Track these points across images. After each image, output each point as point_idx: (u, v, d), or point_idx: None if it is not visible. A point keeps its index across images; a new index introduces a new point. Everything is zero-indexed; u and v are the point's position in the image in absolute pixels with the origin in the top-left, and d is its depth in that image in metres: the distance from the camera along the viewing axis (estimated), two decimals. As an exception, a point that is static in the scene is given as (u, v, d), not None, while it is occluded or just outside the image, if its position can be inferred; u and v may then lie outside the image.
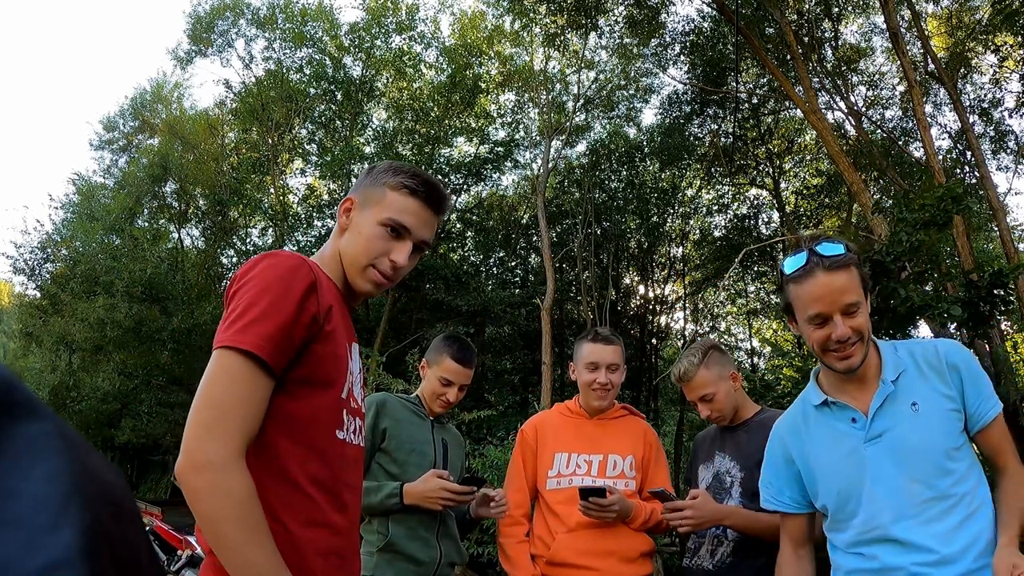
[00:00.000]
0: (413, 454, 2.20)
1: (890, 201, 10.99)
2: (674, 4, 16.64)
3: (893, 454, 1.47)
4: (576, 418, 2.37)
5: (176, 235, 19.99)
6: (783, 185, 17.82)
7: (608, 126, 18.04)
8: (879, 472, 1.48)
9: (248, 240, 18.91)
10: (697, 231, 19.53)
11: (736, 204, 18.81)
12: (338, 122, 17.90)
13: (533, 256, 19.67)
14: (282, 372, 1.13)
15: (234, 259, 18.70)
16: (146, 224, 19.72)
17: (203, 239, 19.79)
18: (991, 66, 14.08)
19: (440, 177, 17.57)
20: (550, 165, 16.25)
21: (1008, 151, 14.55)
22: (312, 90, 17.21)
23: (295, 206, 18.43)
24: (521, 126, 18.19)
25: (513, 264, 20.18)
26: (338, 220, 1.37)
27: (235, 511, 0.99)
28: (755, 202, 18.73)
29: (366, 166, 1.80)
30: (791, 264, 1.51)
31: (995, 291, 5.59)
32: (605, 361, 2.30)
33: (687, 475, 2.50)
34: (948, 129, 14.89)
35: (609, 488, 2.11)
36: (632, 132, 18.33)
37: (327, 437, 1.18)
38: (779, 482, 1.69)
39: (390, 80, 17.61)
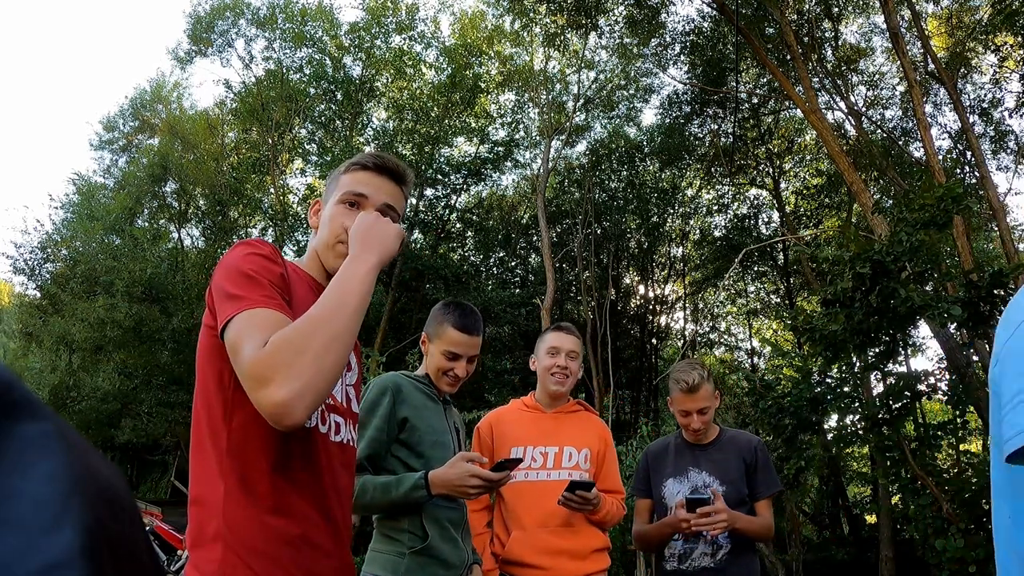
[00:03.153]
0: (436, 446, 1.98)
1: (890, 201, 10.98)
2: (674, 4, 16.65)
3: None
4: (532, 412, 2.47)
5: (176, 235, 19.99)
6: (783, 185, 17.82)
7: (608, 126, 18.05)
8: None
9: (248, 240, 18.88)
10: (697, 231, 19.52)
11: (736, 204, 18.82)
12: (338, 122, 17.90)
13: (533, 256, 19.68)
14: None
15: (234, 259, 18.67)
16: (146, 224, 19.73)
17: (203, 239, 19.78)
18: (991, 66, 14.09)
19: (440, 177, 17.58)
20: (550, 165, 16.25)
21: (1008, 151, 14.55)
22: (312, 90, 17.22)
23: (295, 206, 18.42)
24: (521, 126, 18.21)
25: (513, 264, 20.19)
26: (311, 224, 1.43)
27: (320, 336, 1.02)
28: (755, 202, 18.74)
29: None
30: None
31: (995, 291, 5.58)
32: (565, 348, 2.43)
33: (639, 485, 2.56)
34: (948, 129, 14.89)
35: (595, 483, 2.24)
36: (632, 132, 18.35)
37: (300, 432, 1.16)
38: None
39: (390, 80, 17.62)
